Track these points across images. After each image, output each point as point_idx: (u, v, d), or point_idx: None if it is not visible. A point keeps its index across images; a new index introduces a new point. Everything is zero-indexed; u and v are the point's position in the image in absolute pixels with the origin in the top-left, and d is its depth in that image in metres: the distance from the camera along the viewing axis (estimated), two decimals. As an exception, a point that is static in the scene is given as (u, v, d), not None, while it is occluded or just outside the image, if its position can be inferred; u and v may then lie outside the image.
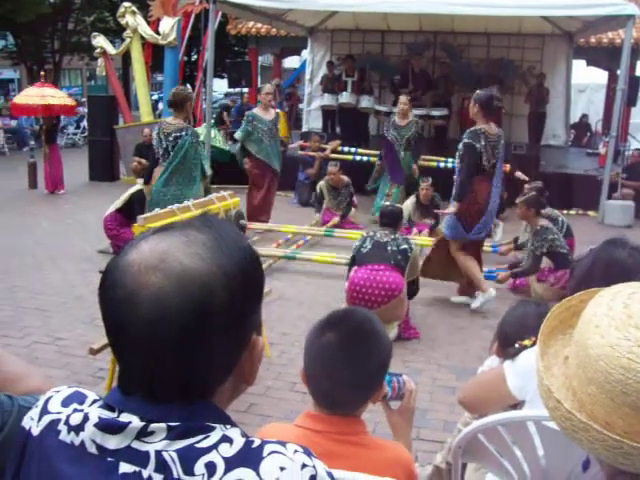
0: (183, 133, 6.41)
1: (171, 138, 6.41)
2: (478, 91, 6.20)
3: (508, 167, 10.35)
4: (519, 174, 7.24)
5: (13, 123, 20.38)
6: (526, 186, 6.92)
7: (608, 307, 1.08)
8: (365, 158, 10.70)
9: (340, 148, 11.54)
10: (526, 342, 2.30)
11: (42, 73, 14.22)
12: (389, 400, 1.91)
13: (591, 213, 10.84)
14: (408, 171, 9.69)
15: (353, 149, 11.47)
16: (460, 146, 6.09)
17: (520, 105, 13.59)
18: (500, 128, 6.33)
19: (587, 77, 19.69)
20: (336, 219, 9.54)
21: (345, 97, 13.10)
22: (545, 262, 6.51)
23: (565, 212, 8.89)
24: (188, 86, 22.38)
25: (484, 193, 6.12)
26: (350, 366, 1.66)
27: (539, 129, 13.61)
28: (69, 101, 12.76)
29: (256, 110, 9.09)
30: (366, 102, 12.99)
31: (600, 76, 19.10)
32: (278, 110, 9.76)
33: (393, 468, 1.66)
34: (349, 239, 7.67)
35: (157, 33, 13.58)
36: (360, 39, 14.50)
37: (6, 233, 8.97)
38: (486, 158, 6.01)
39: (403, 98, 9.78)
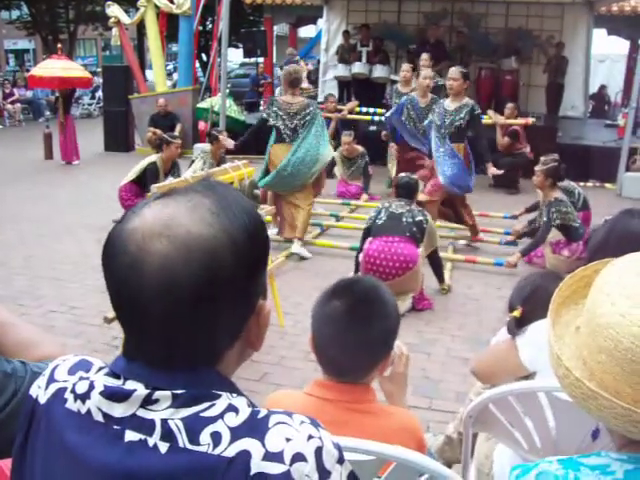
0: (311, 108, 6.54)
1: (300, 116, 6.47)
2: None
3: (530, 120, 10.37)
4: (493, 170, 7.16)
5: (29, 94, 20.42)
6: (542, 158, 6.83)
7: (619, 276, 1.07)
8: (383, 118, 10.51)
9: (358, 109, 11.42)
10: (515, 313, 2.30)
11: (59, 46, 14.19)
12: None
13: (608, 185, 10.72)
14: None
15: (372, 109, 11.32)
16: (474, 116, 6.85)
17: (538, 76, 13.39)
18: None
19: (607, 47, 19.40)
20: (365, 196, 9.48)
21: (358, 67, 12.97)
22: (558, 234, 6.44)
23: (582, 184, 8.78)
24: (203, 56, 22.28)
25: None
26: (356, 332, 1.66)
27: (557, 100, 13.40)
28: (86, 74, 12.76)
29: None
30: (379, 71, 12.85)
31: (621, 46, 18.80)
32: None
33: (401, 435, 1.66)
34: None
35: (171, 2, 13.48)
36: (376, 8, 14.29)
37: (22, 203, 9.03)
38: None
39: (405, 66, 9.68)
